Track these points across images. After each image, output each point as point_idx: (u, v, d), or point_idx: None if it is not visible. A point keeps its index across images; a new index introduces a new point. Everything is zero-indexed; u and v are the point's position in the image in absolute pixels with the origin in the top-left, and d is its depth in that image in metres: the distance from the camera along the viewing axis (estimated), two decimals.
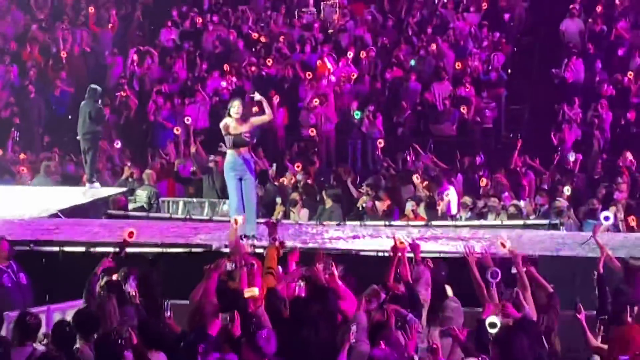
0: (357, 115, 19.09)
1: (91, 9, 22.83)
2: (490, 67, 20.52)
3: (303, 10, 23.67)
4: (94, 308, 8.25)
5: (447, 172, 16.92)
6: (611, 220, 11.70)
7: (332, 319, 8.16)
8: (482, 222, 14.04)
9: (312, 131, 19.00)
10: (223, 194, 14.81)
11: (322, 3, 23.60)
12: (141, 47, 21.94)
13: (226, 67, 20.96)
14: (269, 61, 21.05)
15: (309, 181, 16.36)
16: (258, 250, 10.39)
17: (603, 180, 16.39)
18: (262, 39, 22.32)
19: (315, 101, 19.32)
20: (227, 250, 10.52)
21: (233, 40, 22.19)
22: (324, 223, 13.86)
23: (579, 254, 11.08)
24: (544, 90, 20.69)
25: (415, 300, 8.52)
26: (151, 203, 15.71)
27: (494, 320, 7.45)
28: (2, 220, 12.96)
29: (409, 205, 14.50)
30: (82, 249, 11.39)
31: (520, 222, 13.85)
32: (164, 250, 11.26)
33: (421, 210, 14.48)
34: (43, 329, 7.91)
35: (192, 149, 17.14)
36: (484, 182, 16.11)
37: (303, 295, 8.53)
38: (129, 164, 17.43)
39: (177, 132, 18.21)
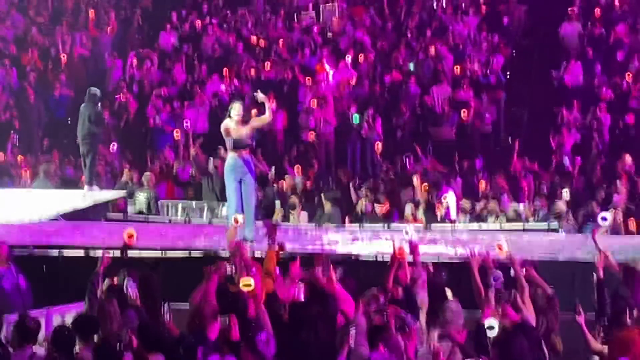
0: (356, 118, 19.07)
1: (91, 12, 22.84)
2: (489, 70, 20.48)
3: (302, 13, 23.67)
4: (96, 309, 8.26)
5: (446, 175, 16.92)
6: (609, 221, 11.67)
7: (331, 322, 8.15)
8: (481, 225, 14.05)
9: (311, 136, 18.98)
10: (222, 197, 14.82)
11: (321, 6, 23.59)
12: (141, 51, 21.95)
13: (225, 70, 20.96)
14: (268, 64, 21.05)
15: (308, 184, 16.37)
16: (257, 255, 10.39)
17: (602, 183, 16.40)
18: (262, 42, 22.31)
19: (313, 102, 19.29)
20: (226, 253, 10.52)
21: (232, 44, 22.19)
22: (323, 226, 13.88)
23: (578, 257, 11.09)
24: (543, 93, 20.67)
25: (413, 304, 8.51)
26: (150, 206, 15.73)
27: (492, 323, 7.46)
28: (1, 223, 12.96)
29: (408, 208, 14.52)
30: (81, 252, 11.39)
31: (520, 225, 13.85)
32: (164, 254, 11.27)
33: (420, 213, 14.50)
34: (42, 332, 7.92)
35: (192, 152, 17.16)
36: (483, 185, 16.12)
37: (302, 297, 8.52)
38: (128, 167, 17.44)
39: (177, 135, 18.21)
